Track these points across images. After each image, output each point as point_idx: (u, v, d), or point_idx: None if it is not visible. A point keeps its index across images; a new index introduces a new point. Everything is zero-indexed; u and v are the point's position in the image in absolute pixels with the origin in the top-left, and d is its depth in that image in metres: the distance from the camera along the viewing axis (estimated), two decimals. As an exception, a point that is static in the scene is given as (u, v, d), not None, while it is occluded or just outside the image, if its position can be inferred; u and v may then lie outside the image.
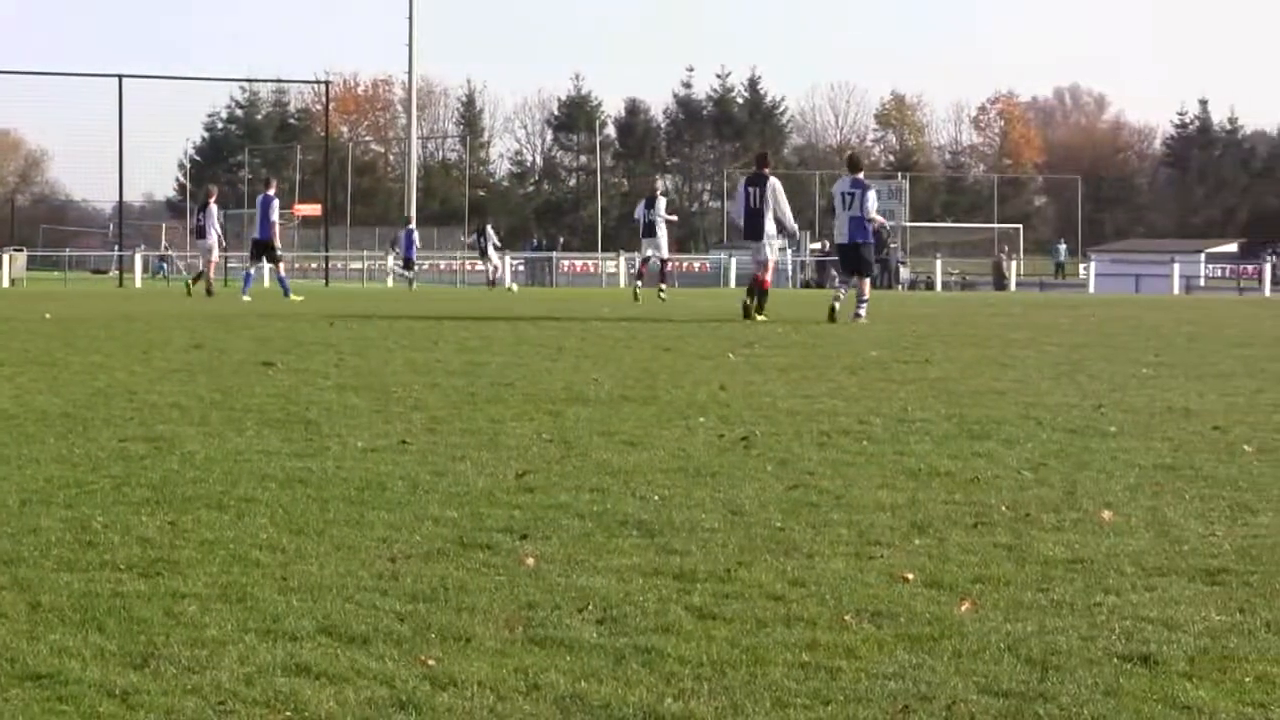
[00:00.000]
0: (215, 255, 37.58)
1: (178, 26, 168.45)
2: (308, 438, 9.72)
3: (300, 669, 4.80)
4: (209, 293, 35.11)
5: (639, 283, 34.81)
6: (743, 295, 25.76)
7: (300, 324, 22.04)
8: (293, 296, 32.01)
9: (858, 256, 24.86)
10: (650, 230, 34.76)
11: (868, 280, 25.04)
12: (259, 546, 6.49)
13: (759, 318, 23.91)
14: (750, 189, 25.28)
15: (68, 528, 6.83)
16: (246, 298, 31.68)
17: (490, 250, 50.16)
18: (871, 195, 24.83)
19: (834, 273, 44.79)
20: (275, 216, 34.43)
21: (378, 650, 5.01)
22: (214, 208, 37.37)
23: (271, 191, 35.26)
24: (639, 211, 35.35)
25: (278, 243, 34.75)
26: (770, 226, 25.04)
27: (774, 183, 25.39)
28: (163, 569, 6.07)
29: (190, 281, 37.12)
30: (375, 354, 16.25)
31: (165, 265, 67.12)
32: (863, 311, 23.92)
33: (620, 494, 7.80)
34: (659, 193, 36.08)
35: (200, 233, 37.35)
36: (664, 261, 35.32)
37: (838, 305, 23.93)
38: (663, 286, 34.47)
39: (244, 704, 4.48)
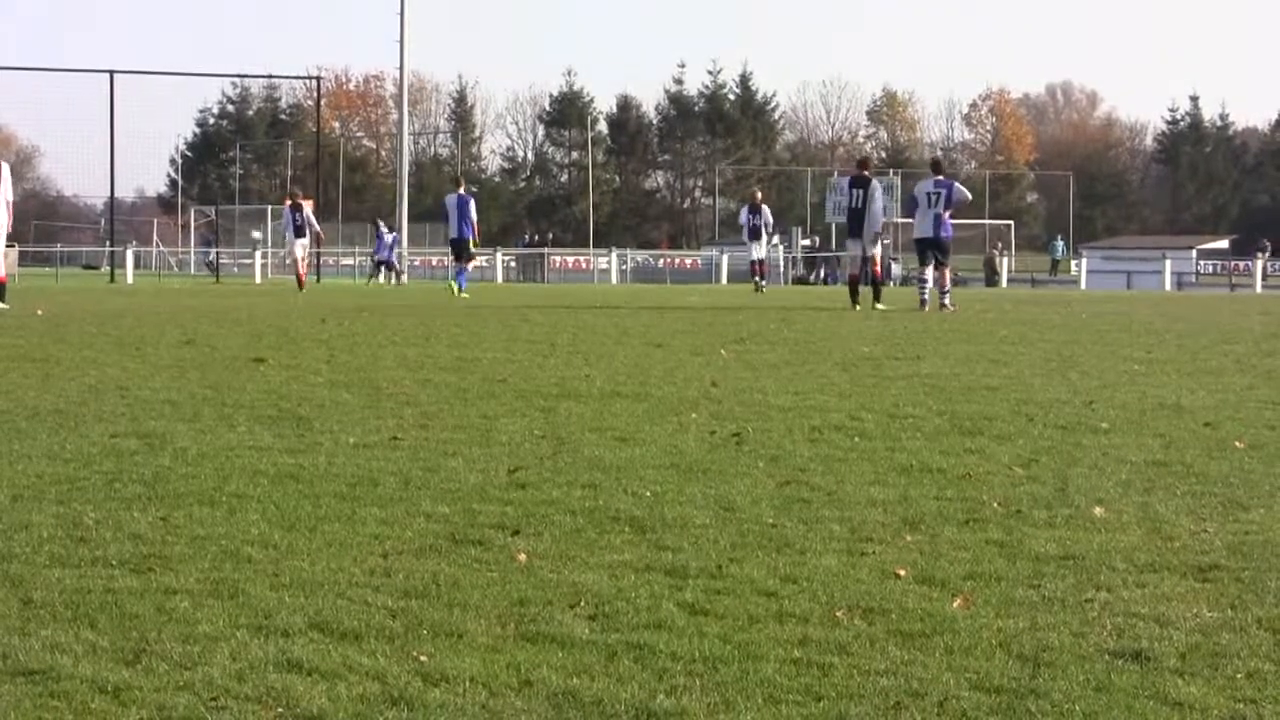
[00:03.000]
0: (305, 253, 41.68)
1: (169, 22, 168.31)
2: (299, 434, 9.72)
3: (292, 665, 4.80)
4: (301, 288, 38.27)
5: (760, 280, 40.67)
6: (846, 288, 28.73)
7: (292, 320, 22.03)
8: (465, 294, 33.02)
9: (939, 249, 27.42)
10: (757, 234, 41.25)
11: (947, 270, 27.84)
12: (251, 543, 6.49)
13: (879, 306, 27.02)
14: (855, 190, 27.94)
15: (59, 524, 6.82)
16: (465, 295, 33.20)
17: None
18: (956, 190, 27.62)
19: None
20: (475, 216, 35.13)
21: (370, 646, 5.01)
22: (307, 207, 41.71)
23: (462, 190, 35.96)
24: (744, 217, 41.61)
25: (476, 241, 35.75)
26: (874, 224, 27.76)
27: (876, 185, 28.37)
28: (154, 565, 6.06)
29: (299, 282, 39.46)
30: (366, 350, 16.25)
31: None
32: (948, 300, 27.02)
33: (612, 490, 7.80)
34: (760, 201, 42.32)
35: (299, 232, 39.73)
36: (763, 261, 41.77)
37: (928, 293, 26.91)
38: (759, 281, 40.39)
39: (236, 700, 4.47)
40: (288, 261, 41.37)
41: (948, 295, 27.16)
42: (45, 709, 4.40)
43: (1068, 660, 4.95)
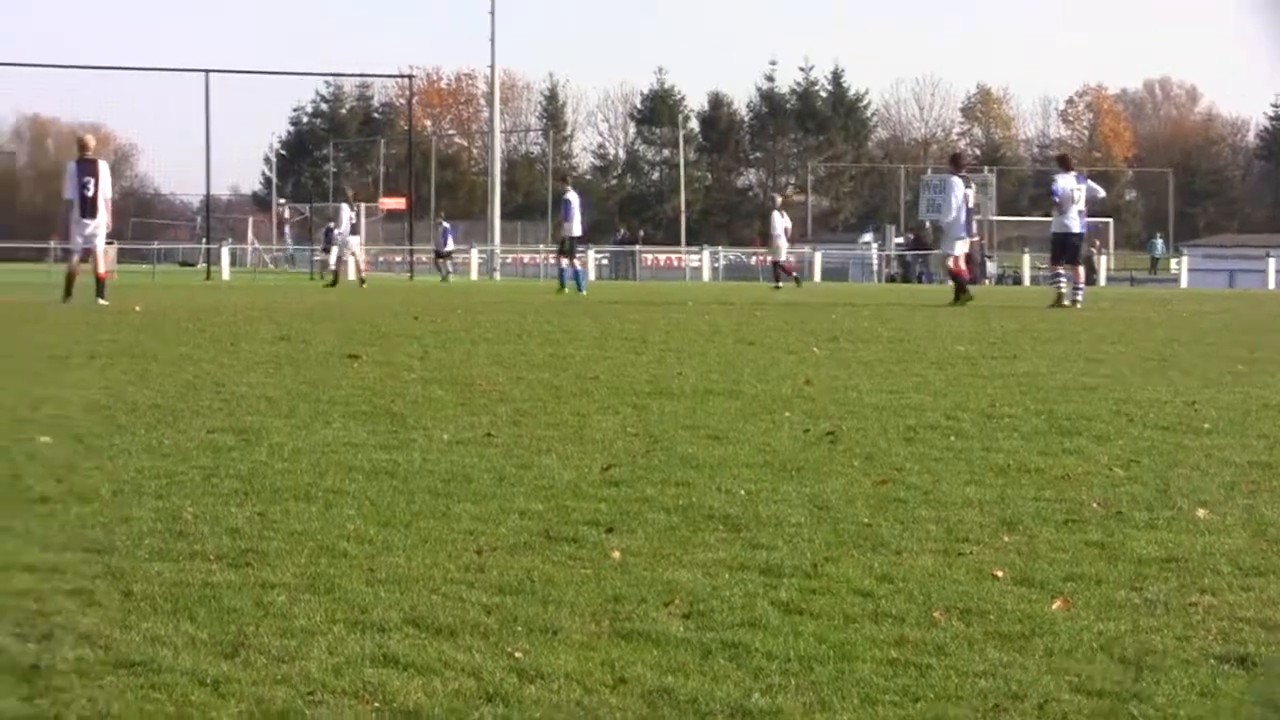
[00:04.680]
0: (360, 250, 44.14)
1: (264, 21, 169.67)
2: (393, 430, 9.74)
3: (388, 660, 4.80)
4: (362, 283, 40.45)
5: (783, 280, 42.55)
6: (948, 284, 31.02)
7: (384, 317, 22.15)
8: (567, 290, 33.80)
9: (1080, 246, 28.75)
10: (789, 236, 44.54)
11: (1080, 267, 28.91)
12: (346, 538, 6.50)
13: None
14: (968, 189, 29.18)
15: (159, 518, 6.86)
16: (581, 291, 34.59)
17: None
18: (1091, 186, 28.77)
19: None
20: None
21: (465, 642, 5.00)
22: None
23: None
24: (781, 224, 43.71)
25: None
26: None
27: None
28: (252, 559, 6.09)
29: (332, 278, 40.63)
30: (459, 347, 16.30)
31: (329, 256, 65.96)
32: (1080, 296, 27.98)
33: (705, 488, 7.77)
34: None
35: (355, 229, 41.35)
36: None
37: (1065, 290, 27.58)
38: (780, 283, 41.96)
39: (333, 694, 4.48)
40: (344, 258, 42.66)
41: (1081, 292, 28.14)
42: (147, 700, 4.42)
43: (1171, 664, 4.87)
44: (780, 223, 43.46)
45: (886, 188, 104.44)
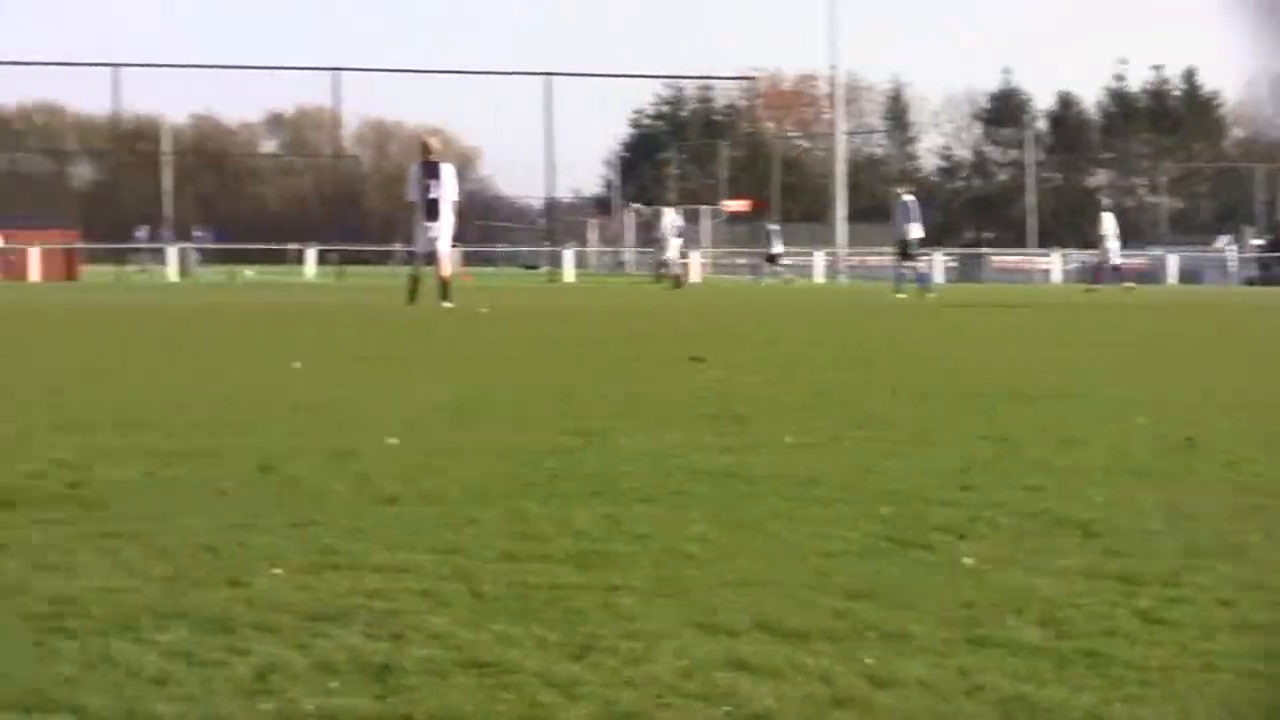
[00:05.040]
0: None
1: (603, 24, 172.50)
2: (736, 433, 9.73)
3: (737, 664, 4.75)
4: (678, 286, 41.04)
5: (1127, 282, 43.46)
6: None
7: (725, 316, 22.24)
8: (905, 294, 34.53)
9: None
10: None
11: None
12: (692, 540, 6.48)
13: None
14: None
15: (506, 519, 6.93)
16: (928, 294, 35.18)
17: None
18: None
19: None
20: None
21: (815, 646, 4.93)
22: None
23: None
24: (1114, 226, 44.51)
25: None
26: None
27: None
28: (597, 561, 6.10)
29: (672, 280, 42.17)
30: (801, 348, 16.26)
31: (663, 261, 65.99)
32: None
33: (1059, 493, 7.57)
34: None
35: (679, 233, 42.86)
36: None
37: None
38: (1128, 284, 42.98)
39: (682, 697, 4.44)
40: (665, 258, 43.95)
41: None
42: (498, 700, 4.44)
43: None
44: (1109, 225, 42.87)
45: (1243, 188, 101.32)
